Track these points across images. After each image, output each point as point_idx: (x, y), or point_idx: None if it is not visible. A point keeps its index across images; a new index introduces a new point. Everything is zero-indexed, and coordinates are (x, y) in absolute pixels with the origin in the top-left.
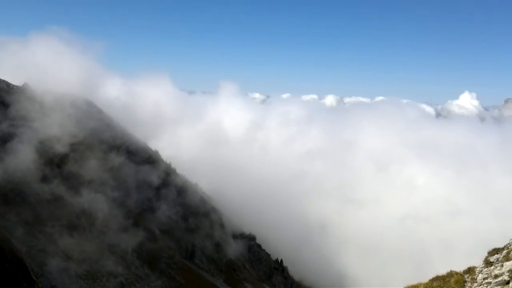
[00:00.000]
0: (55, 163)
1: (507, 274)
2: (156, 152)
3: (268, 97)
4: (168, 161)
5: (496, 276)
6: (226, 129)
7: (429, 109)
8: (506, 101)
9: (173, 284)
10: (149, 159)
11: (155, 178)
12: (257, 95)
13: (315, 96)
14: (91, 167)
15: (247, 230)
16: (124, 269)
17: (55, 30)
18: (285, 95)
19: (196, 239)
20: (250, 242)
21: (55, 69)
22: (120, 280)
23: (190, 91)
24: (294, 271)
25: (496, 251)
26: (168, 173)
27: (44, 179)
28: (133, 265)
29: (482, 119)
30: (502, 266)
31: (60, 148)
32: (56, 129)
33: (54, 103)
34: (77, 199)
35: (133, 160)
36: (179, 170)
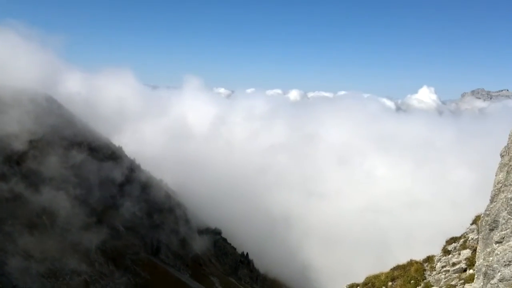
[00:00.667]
0: (14, 161)
1: (464, 262)
2: (120, 148)
3: (233, 92)
4: (132, 157)
5: (453, 264)
6: (191, 124)
7: (389, 103)
8: (463, 95)
9: (139, 281)
10: (112, 155)
11: (118, 175)
12: (222, 90)
13: (279, 91)
14: (52, 164)
15: (212, 224)
16: (88, 266)
17: (12, 23)
18: (249, 90)
19: (161, 235)
20: (216, 237)
21: (12, 64)
22: (84, 278)
23: (154, 86)
24: (260, 264)
25: (453, 240)
26: (132, 169)
27: (3, 177)
28: (97, 262)
29: (440, 112)
30: (459, 254)
31: (19, 145)
32: (14, 126)
33: (11, 99)
34: (37, 197)
35: (96, 156)
36: (143, 166)
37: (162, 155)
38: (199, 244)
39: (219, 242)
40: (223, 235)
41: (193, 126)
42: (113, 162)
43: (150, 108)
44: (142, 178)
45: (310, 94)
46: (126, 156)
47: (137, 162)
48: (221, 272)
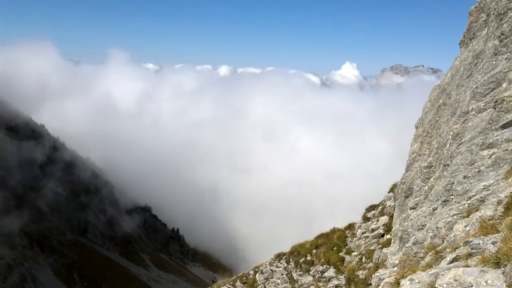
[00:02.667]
0: None
1: (382, 228)
2: (42, 127)
3: (161, 67)
4: (55, 135)
5: (372, 230)
6: (117, 101)
7: (314, 79)
8: (383, 70)
9: (66, 261)
10: (34, 134)
11: (40, 155)
12: (150, 65)
13: (209, 67)
14: None
15: (142, 202)
16: (10, 250)
17: None
18: (178, 66)
19: (88, 215)
20: (146, 214)
21: None
22: (6, 262)
23: (77, 61)
24: (190, 238)
25: (372, 207)
26: (56, 147)
27: None
28: (20, 245)
29: (361, 87)
30: (378, 220)
31: None
32: None
33: None
34: None
35: (15, 136)
36: (67, 145)
37: (87, 133)
38: (129, 222)
39: (149, 219)
40: (154, 211)
41: (119, 103)
42: (34, 142)
43: (74, 84)
44: (66, 157)
45: (240, 70)
46: (49, 134)
47: (61, 140)
48: (152, 249)
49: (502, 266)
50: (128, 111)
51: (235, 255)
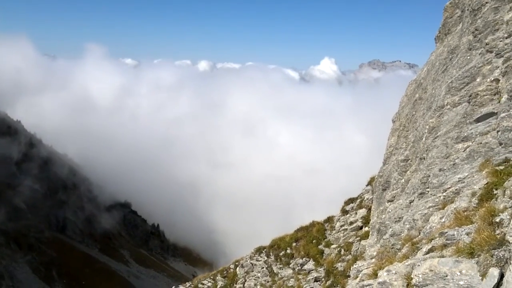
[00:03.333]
0: None
1: (360, 220)
2: (18, 123)
3: (140, 62)
4: (32, 132)
5: (351, 223)
6: (94, 96)
7: (294, 74)
8: (361, 65)
9: (44, 259)
10: (9, 130)
11: (16, 151)
12: (128, 60)
13: (188, 62)
14: None
15: (121, 198)
16: None
17: None
18: (156, 61)
19: (67, 211)
20: (125, 210)
21: None
22: None
23: (53, 56)
24: (170, 233)
25: (351, 200)
26: (33, 144)
27: None
28: None
29: (340, 82)
30: (356, 213)
31: None
32: None
33: None
34: None
35: None
36: (44, 141)
37: (64, 129)
38: (108, 219)
39: (129, 215)
40: (133, 207)
41: (97, 98)
42: (10, 138)
43: (50, 80)
44: (43, 154)
45: (219, 65)
46: (25, 130)
47: (38, 136)
48: (132, 244)
49: (476, 256)
50: (106, 106)
51: (215, 250)
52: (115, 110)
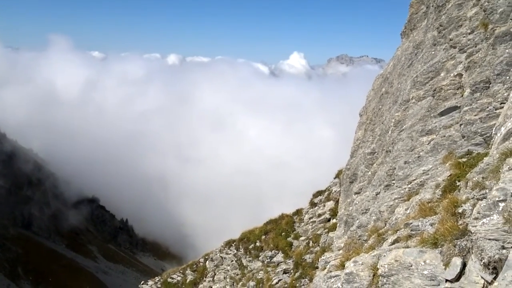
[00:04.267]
0: None
1: (328, 212)
2: None
3: (107, 55)
4: None
5: (319, 215)
6: (60, 89)
7: (263, 68)
8: (329, 60)
9: (9, 255)
10: None
11: None
12: (96, 53)
13: (157, 55)
14: None
15: (89, 193)
16: None
17: None
18: (124, 54)
19: (32, 207)
20: (93, 205)
21: None
22: None
23: (16, 48)
24: (139, 228)
25: (319, 193)
26: None
27: None
28: None
29: (309, 77)
30: (324, 206)
31: None
32: None
33: None
34: None
35: None
36: (8, 135)
37: (29, 124)
38: (75, 214)
39: (97, 210)
40: (102, 202)
41: (63, 91)
42: None
43: (14, 73)
44: (7, 148)
45: (189, 59)
46: None
47: (2, 131)
48: (100, 240)
49: (439, 246)
50: (72, 100)
51: (184, 243)
52: (82, 103)
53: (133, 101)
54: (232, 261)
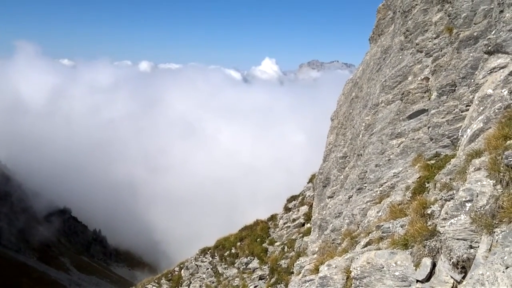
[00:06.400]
0: None
1: (302, 217)
2: None
3: (77, 63)
4: None
5: (293, 220)
6: (26, 97)
7: (236, 74)
8: (300, 66)
9: None
10: None
11: None
12: (65, 61)
13: (128, 62)
14: None
15: (60, 203)
16: None
17: None
18: (95, 61)
19: (2, 219)
20: (65, 216)
21: None
22: None
23: None
24: (111, 238)
25: (293, 198)
26: None
27: None
28: None
29: (281, 82)
30: (298, 210)
31: None
32: None
33: None
34: None
35: None
36: None
37: None
38: (47, 226)
39: (69, 222)
40: (74, 213)
41: (29, 99)
42: None
43: None
44: None
45: (161, 66)
46: None
47: None
48: (73, 252)
49: (409, 247)
50: (39, 108)
51: (156, 251)
52: (49, 112)
53: (101, 108)
54: (208, 269)
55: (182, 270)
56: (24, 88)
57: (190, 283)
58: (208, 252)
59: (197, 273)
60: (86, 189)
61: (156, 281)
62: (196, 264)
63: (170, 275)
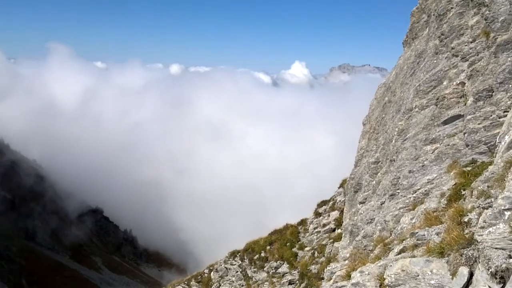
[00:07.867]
0: None
1: (333, 222)
2: None
3: (110, 65)
4: None
5: (324, 225)
6: (60, 99)
7: (265, 78)
8: (331, 69)
9: (13, 267)
10: None
11: None
12: (99, 63)
13: (160, 65)
14: None
15: (92, 203)
16: None
17: None
18: (128, 64)
19: (36, 219)
20: (97, 216)
21: None
22: None
23: (13, 58)
24: (141, 238)
25: (323, 203)
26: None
27: None
28: None
29: (311, 86)
30: (329, 216)
31: None
32: None
33: None
34: None
35: None
36: (11, 147)
37: (29, 134)
38: (80, 225)
39: (101, 221)
40: (106, 213)
41: (62, 101)
42: None
43: (14, 83)
44: (9, 160)
45: (192, 69)
46: None
47: (5, 142)
48: (104, 251)
49: (446, 256)
50: (72, 110)
51: (185, 253)
52: (81, 114)
53: (131, 111)
54: (237, 272)
55: (212, 272)
56: (58, 90)
57: (220, 285)
58: (238, 255)
59: (227, 275)
60: (115, 190)
61: (186, 282)
62: (225, 267)
63: (199, 277)
